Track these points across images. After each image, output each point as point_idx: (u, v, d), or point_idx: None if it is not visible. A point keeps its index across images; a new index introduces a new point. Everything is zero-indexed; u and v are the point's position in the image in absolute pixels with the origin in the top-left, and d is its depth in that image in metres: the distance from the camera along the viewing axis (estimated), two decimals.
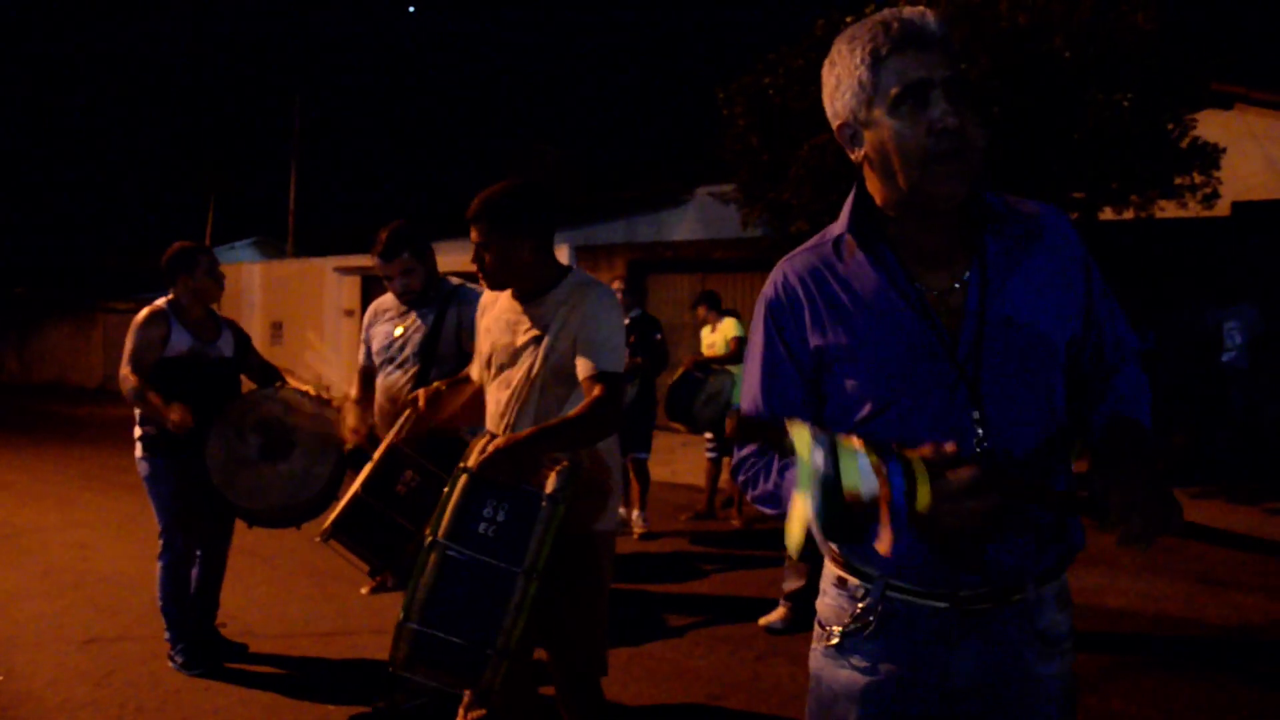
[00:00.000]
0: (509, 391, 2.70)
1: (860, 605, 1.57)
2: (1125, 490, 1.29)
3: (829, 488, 1.26)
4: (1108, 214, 9.05)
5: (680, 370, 7.20)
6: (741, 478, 1.62)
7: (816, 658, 1.65)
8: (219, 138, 35.27)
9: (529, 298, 2.71)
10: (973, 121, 1.45)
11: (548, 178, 18.80)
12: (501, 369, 2.73)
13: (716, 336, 7.68)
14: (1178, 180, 8.67)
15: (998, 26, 8.30)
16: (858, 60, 1.46)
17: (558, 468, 2.40)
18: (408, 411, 3.35)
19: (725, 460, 7.43)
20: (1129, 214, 8.94)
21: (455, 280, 3.94)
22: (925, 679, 1.53)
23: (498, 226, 2.63)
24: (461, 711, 3.49)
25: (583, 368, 2.57)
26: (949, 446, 1.29)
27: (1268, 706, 3.98)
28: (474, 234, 2.66)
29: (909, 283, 1.51)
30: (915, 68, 1.42)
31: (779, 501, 1.52)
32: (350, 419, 3.90)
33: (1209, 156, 8.65)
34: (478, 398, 2.92)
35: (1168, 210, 8.95)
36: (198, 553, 4.38)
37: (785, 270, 1.62)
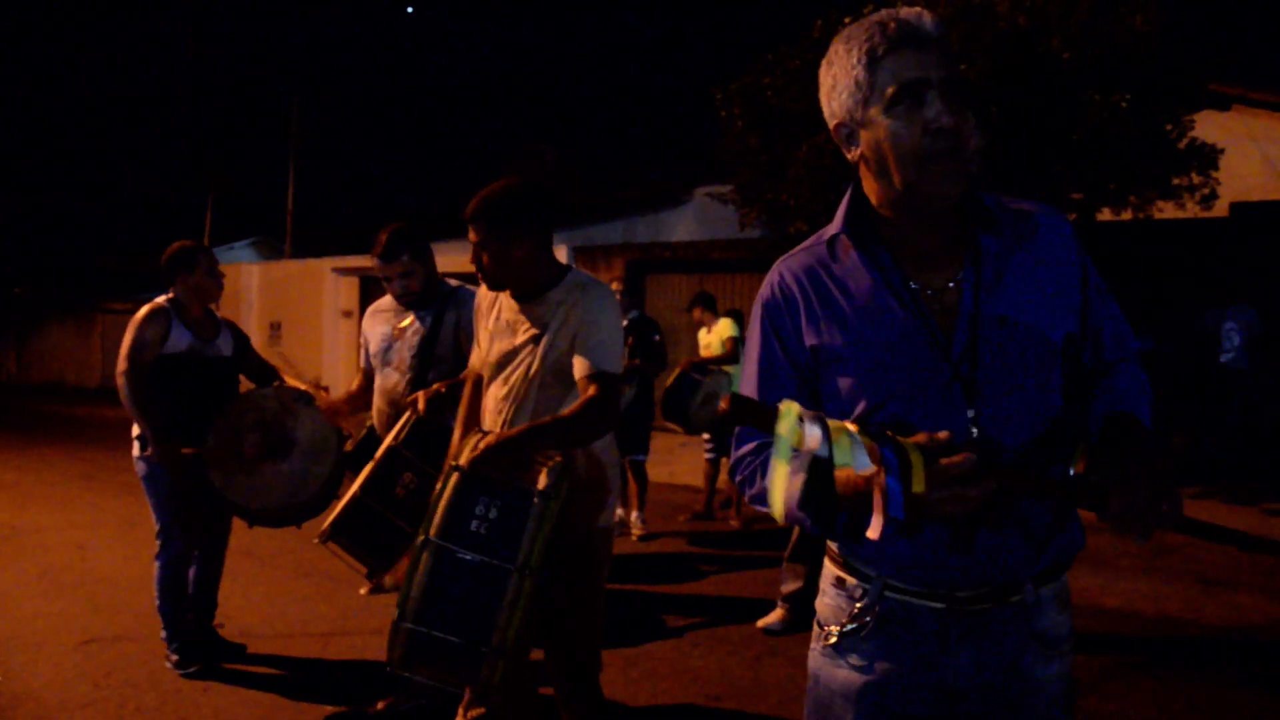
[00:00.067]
0: (507, 390, 2.70)
1: (858, 605, 1.57)
2: (1123, 479, 1.30)
3: (821, 466, 1.26)
4: (1106, 215, 9.06)
5: (676, 371, 7.20)
6: (738, 477, 1.63)
7: (815, 657, 1.65)
8: (218, 138, 35.30)
9: (528, 297, 2.71)
10: (969, 122, 1.45)
11: (547, 178, 18.82)
12: (500, 368, 2.74)
13: (713, 338, 7.68)
14: (1176, 181, 8.68)
15: (996, 27, 8.31)
16: (854, 60, 1.47)
17: (550, 464, 2.40)
18: (407, 414, 3.35)
19: (723, 461, 7.43)
20: (1127, 215, 8.95)
21: (454, 282, 3.94)
22: (923, 679, 1.53)
23: (496, 226, 2.63)
24: (461, 711, 3.49)
25: (579, 367, 2.57)
26: (942, 434, 1.30)
27: (1267, 707, 3.98)
28: (472, 234, 2.67)
29: (903, 282, 1.52)
30: (911, 68, 1.43)
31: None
32: (334, 400, 3.92)
33: (1207, 157, 8.66)
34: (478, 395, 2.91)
35: (1166, 211, 8.96)
36: (196, 553, 4.39)
37: (781, 270, 1.62)
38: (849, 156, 1.55)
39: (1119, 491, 1.28)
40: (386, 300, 3.97)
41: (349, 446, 4.03)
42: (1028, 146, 8.21)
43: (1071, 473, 1.44)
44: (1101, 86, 8.11)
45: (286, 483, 3.98)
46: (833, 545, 1.64)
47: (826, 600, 1.64)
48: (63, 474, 10.06)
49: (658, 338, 7.10)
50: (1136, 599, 5.45)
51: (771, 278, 1.63)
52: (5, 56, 35.96)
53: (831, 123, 1.55)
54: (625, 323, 6.72)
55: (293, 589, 5.62)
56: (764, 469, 1.57)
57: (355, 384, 4.02)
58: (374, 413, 3.95)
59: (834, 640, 1.60)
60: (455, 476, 2.37)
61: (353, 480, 3.43)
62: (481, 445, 2.39)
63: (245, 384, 4.45)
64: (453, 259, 7.54)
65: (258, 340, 16.64)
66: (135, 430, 4.23)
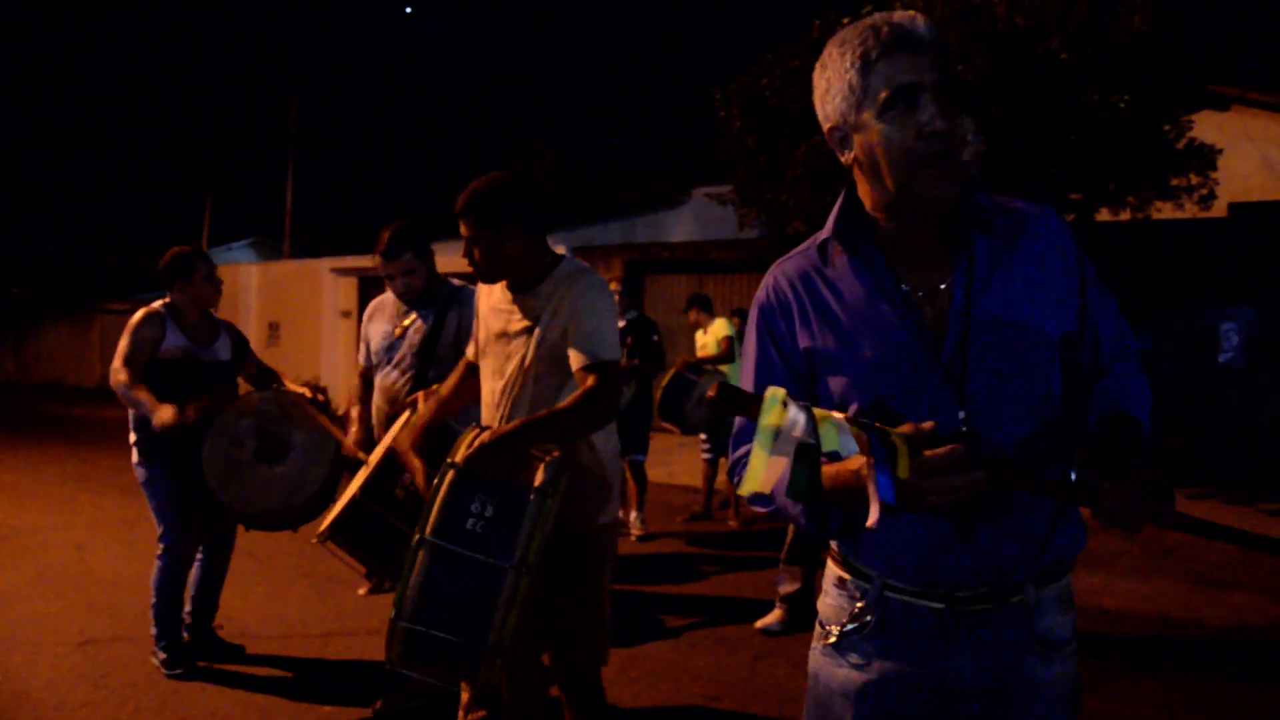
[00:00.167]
0: (503, 382, 2.69)
1: (859, 605, 1.57)
2: (1115, 475, 1.30)
3: (808, 452, 1.27)
4: (1105, 215, 9.06)
5: (671, 372, 7.20)
6: (735, 477, 1.63)
7: (815, 657, 1.65)
8: (216, 138, 35.28)
9: (521, 289, 2.70)
10: (962, 125, 1.46)
11: (545, 178, 18.81)
12: (495, 360, 2.73)
13: (708, 338, 7.68)
14: (1174, 181, 8.69)
15: (994, 28, 8.32)
16: (848, 64, 1.47)
17: (548, 460, 2.37)
18: (406, 414, 3.35)
19: (721, 461, 7.44)
20: (1126, 215, 8.95)
21: (456, 281, 3.93)
22: (923, 679, 1.53)
23: (485, 220, 2.62)
24: (461, 713, 3.49)
25: (575, 358, 2.54)
26: (927, 425, 1.30)
27: (1266, 707, 3.98)
28: (463, 228, 2.65)
29: (895, 285, 1.52)
30: (904, 72, 1.43)
31: (771, 500, 1.53)
32: (355, 431, 3.93)
33: (1205, 157, 8.67)
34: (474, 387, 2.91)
35: (1164, 211, 8.97)
36: (199, 555, 4.39)
37: (776, 274, 1.63)
38: (843, 160, 1.55)
39: (1109, 487, 1.29)
40: (388, 298, 3.96)
41: (345, 450, 4.03)
42: (1026, 147, 8.22)
43: (1074, 476, 1.44)
44: (1100, 87, 8.12)
45: (283, 486, 3.97)
46: (834, 545, 1.65)
47: (828, 600, 1.65)
48: (61, 474, 10.05)
49: (656, 338, 7.10)
50: (1135, 599, 5.45)
51: (766, 282, 1.64)
52: (4, 56, 35.95)
53: (825, 126, 1.55)
54: (623, 323, 6.73)
55: (291, 589, 5.61)
56: None
57: (355, 400, 4.04)
58: (373, 411, 3.95)
59: (834, 640, 1.60)
60: (451, 474, 2.35)
61: (350, 481, 3.43)
62: (477, 442, 2.37)
63: (244, 387, 4.45)
64: (453, 259, 7.53)
65: (256, 341, 16.66)
66: (132, 437, 4.23)
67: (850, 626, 1.58)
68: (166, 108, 37.61)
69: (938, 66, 1.44)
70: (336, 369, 17.26)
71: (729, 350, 7.38)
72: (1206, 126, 8.99)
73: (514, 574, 2.25)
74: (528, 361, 2.63)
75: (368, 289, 17.67)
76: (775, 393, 1.27)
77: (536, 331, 2.62)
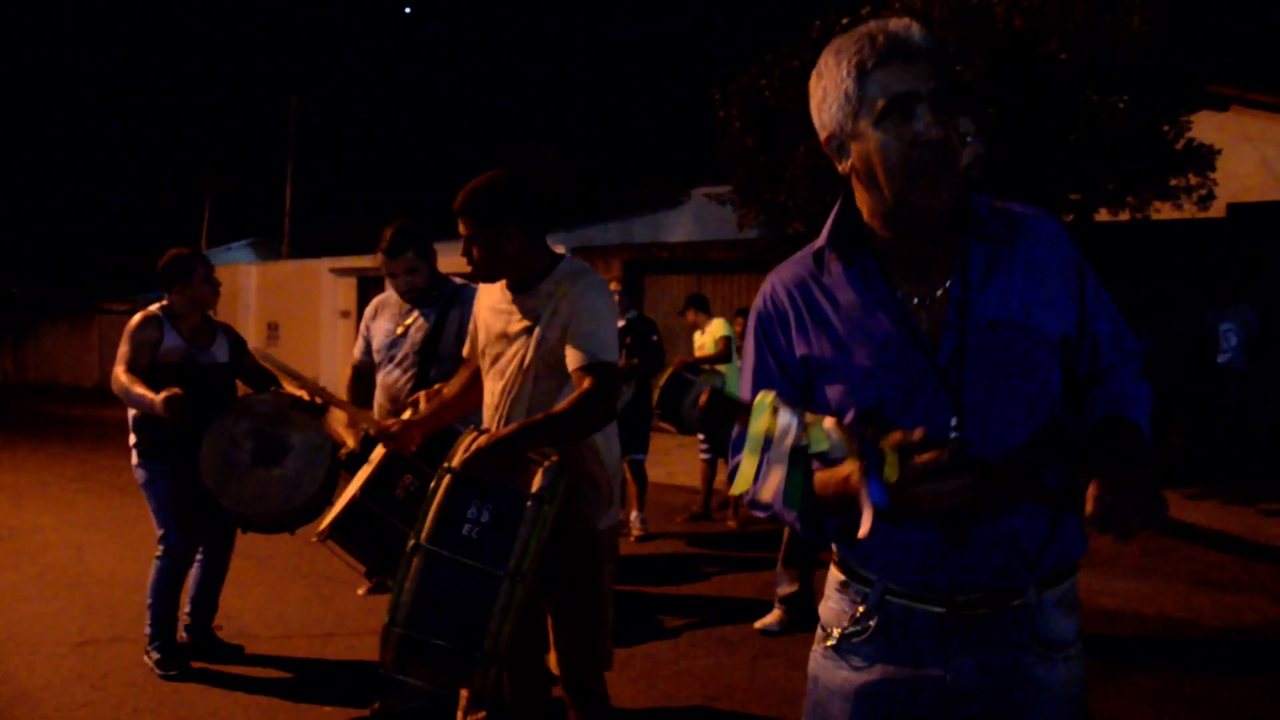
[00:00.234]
0: (502, 383, 2.67)
1: (860, 609, 1.58)
2: (1107, 481, 1.30)
3: (800, 456, 1.28)
4: (1103, 215, 9.06)
5: (668, 371, 7.19)
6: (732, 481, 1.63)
7: (816, 659, 1.65)
8: (215, 138, 35.28)
9: (521, 288, 2.68)
10: (959, 133, 1.47)
11: (545, 178, 18.81)
12: (495, 361, 2.71)
13: (706, 338, 7.68)
14: (1173, 182, 8.69)
15: (993, 28, 8.32)
16: (844, 73, 1.48)
17: (546, 464, 2.35)
18: (408, 413, 3.34)
19: (720, 462, 7.43)
20: (1125, 215, 8.95)
21: (459, 280, 3.93)
22: (923, 682, 1.53)
23: (483, 218, 2.60)
24: (460, 714, 3.48)
25: (572, 359, 2.52)
26: (917, 433, 1.31)
27: (1265, 707, 3.98)
28: (462, 227, 2.64)
29: (889, 293, 1.52)
30: (900, 81, 1.44)
31: (769, 506, 1.53)
32: (345, 416, 3.91)
33: (1204, 158, 8.67)
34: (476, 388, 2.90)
35: (1163, 212, 8.97)
36: (198, 556, 4.39)
37: (774, 282, 1.64)
38: (840, 168, 1.56)
39: (1099, 494, 1.28)
40: (392, 296, 3.96)
41: (344, 453, 4.02)
42: (1025, 147, 8.22)
43: (1067, 481, 1.44)
44: (1099, 87, 8.12)
45: (281, 488, 3.97)
46: (835, 550, 1.65)
47: (830, 604, 1.65)
48: (60, 474, 10.05)
49: (656, 338, 7.11)
50: (1134, 599, 5.45)
51: (764, 290, 1.65)
52: (4, 56, 35.95)
53: (822, 134, 1.56)
54: (623, 323, 6.73)
55: (290, 590, 5.61)
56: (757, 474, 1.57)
57: (346, 389, 4.04)
58: (375, 409, 3.94)
59: (834, 642, 1.60)
60: (447, 479, 2.33)
61: (350, 481, 3.42)
62: (474, 446, 2.35)
63: (243, 388, 4.45)
64: (454, 259, 7.54)
65: (255, 341, 16.64)
66: (132, 438, 4.23)
67: (851, 629, 1.58)
68: (166, 108, 37.64)
69: (933, 75, 1.45)
70: (335, 369, 17.26)
71: (726, 350, 7.38)
72: (1205, 127, 8.99)
73: (509, 581, 2.23)
74: (527, 362, 2.61)
75: (367, 289, 17.68)
76: (765, 397, 1.28)
77: (536, 331, 2.60)
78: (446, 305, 3.82)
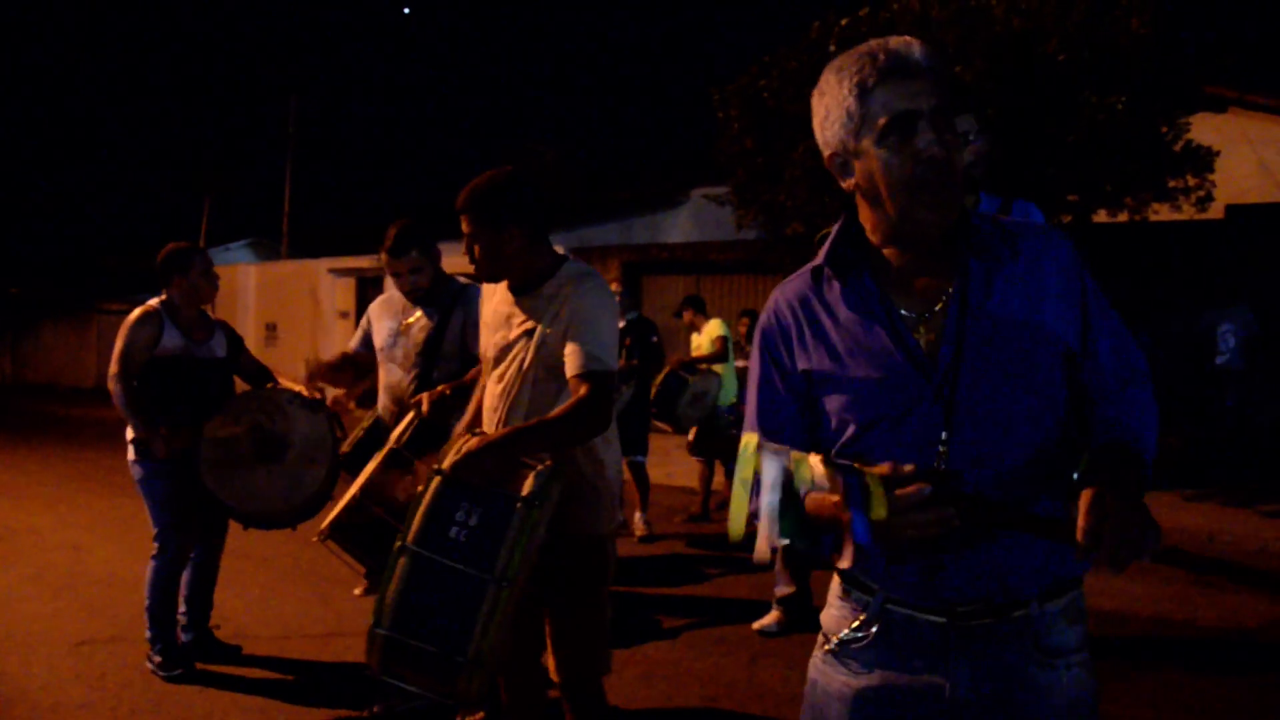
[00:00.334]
0: (502, 386, 2.64)
1: (861, 617, 1.58)
2: (1099, 513, 1.28)
3: (789, 497, 1.32)
4: (1102, 216, 9.07)
5: (665, 371, 7.21)
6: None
7: (815, 663, 1.65)
8: (214, 138, 35.28)
9: (523, 290, 2.66)
10: (960, 150, 1.48)
11: (544, 178, 18.82)
12: (496, 363, 2.69)
13: (702, 339, 7.68)
14: (1171, 183, 8.70)
15: (992, 29, 8.33)
16: (845, 91, 1.49)
17: (539, 468, 2.32)
18: (410, 415, 3.34)
19: (718, 463, 7.42)
20: (1123, 217, 8.96)
21: (463, 279, 3.93)
22: (923, 689, 1.53)
23: (484, 216, 2.58)
24: (460, 715, 3.48)
25: (570, 365, 2.49)
26: (907, 466, 1.32)
27: (1264, 707, 3.99)
28: (463, 225, 2.62)
29: (886, 308, 1.53)
30: (901, 99, 1.45)
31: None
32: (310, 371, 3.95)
33: (1202, 159, 8.68)
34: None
35: (1161, 213, 8.98)
36: (192, 555, 4.38)
37: (777, 298, 1.66)
38: (844, 186, 1.57)
39: (1090, 528, 1.27)
40: (396, 295, 3.95)
41: (344, 449, 4.02)
42: (1023, 148, 8.23)
43: (1061, 509, 1.43)
44: (1097, 88, 8.13)
45: (281, 485, 3.97)
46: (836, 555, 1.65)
47: (832, 611, 1.65)
48: (58, 474, 10.04)
49: (655, 338, 7.11)
50: (1134, 600, 5.45)
51: (768, 306, 1.67)
52: (4, 56, 35.94)
53: (825, 153, 1.57)
54: (623, 323, 6.73)
55: (288, 590, 5.61)
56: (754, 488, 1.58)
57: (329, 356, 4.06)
58: (379, 409, 3.94)
59: (834, 647, 1.60)
60: (436, 480, 2.30)
61: (351, 480, 3.42)
62: (465, 449, 2.33)
63: (241, 386, 4.45)
64: (456, 259, 7.54)
65: (254, 341, 16.64)
66: (130, 434, 4.22)
67: (851, 635, 1.58)
68: (165, 108, 37.62)
69: (934, 91, 1.46)
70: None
71: (722, 350, 7.38)
72: (1204, 128, 9.00)
73: (495, 586, 2.19)
74: (526, 365, 2.59)
75: (366, 289, 17.68)
76: (748, 441, 1.33)
77: (536, 334, 2.57)
78: (450, 305, 3.81)
